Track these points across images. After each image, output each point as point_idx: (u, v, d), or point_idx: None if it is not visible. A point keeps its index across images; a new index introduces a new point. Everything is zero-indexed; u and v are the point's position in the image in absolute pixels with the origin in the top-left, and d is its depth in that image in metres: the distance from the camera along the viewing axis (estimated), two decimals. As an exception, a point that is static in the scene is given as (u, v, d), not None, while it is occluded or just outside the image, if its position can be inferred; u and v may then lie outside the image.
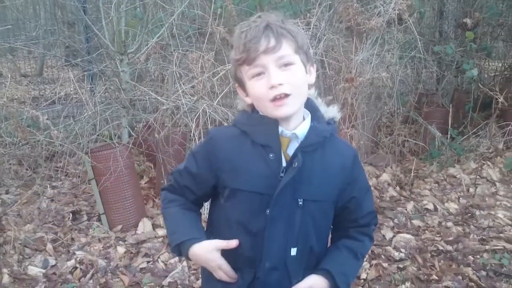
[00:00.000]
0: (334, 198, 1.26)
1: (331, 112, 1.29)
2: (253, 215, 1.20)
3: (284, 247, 1.22)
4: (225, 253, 1.24)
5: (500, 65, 5.73)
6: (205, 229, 1.33)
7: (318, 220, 1.25)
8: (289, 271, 1.23)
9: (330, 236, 1.37)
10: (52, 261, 2.91)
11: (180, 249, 1.24)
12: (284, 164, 1.18)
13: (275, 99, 1.12)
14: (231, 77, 1.24)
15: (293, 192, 1.18)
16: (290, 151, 1.19)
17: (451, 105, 4.47)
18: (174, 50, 3.44)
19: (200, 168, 1.26)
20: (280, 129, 1.18)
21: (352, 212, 1.31)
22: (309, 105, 1.24)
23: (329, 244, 1.37)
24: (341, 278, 1.25)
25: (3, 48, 4.82)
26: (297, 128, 1.19)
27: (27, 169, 4.09)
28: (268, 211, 1.18)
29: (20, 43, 4.32)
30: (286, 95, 1.12)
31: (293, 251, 1.23)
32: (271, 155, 1.17)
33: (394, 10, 3.54)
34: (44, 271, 2.81)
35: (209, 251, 1.22)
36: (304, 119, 1.22)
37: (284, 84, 1.11)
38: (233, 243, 1.21)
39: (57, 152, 3.59)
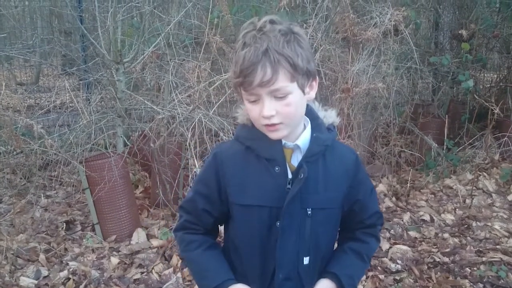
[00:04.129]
0: (340, 203, 1.27)
1: (330, 116, 1.29)
2: (264, 228, 1.21)
3: (296, 257, 1.23)
4: (236, 267, 1.28)
5: (495, 76, 5.76)
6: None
7: (327, 227, 1.27)
8: (303, 280, 1.25)
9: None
10: (44, 272, 2.87)
11: None
12: (289, 175, 1.19)
13: (267, 125, 1.13)
14: (232, 85, 1.23)
15: (301, 202, 1.20)
16: (294, 161, 1.21)
17: (447, 116, 4.48)
18: (170, 59, 3.44)
19: (210, 188, 1.26)
20: (283, 141, 1.19)
21: (357, 214, 1.33)
22: (309, 112, 1.24)
23: (335, 246, 1.39)
24: (348, 281, 1.28)
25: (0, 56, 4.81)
26: (298, 138, 1.20)
27: (21, 178, 4.06)
28: (278, 223, 1.19)
29: (16, 52, 4.30)
30: (278, 124, 1.13)
31: (306, 260, 1.24)
32: (277, 168, 1.19)
33: (390, 21, 3.56)
34: (36, 282, 2.77)
35: None
36: (304, 127, 1.23)
37: (276, 115, 1.11)
38: None
39: (52, 161, 3.56)
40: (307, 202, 1.20)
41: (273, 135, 1.15)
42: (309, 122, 1.24)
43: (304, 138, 1.21)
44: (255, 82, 1.07)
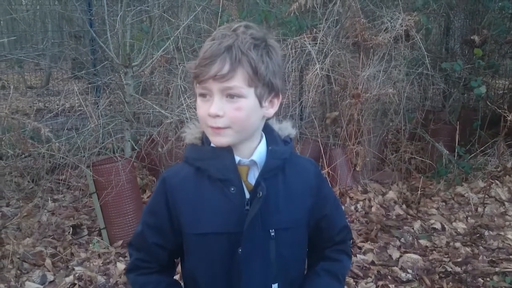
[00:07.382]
0: (305, 221, 1.17)
1: (286, 128, 1.19)
2: (225, 258, 1.10)
3: (264, 285, 1.12)
4: None
5: (507, 82, 5.68)
6: None
7: (294, 248, 1.16)
8: None
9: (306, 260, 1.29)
10: (50, 277, 2.84)
11: None
12: (247, 195, 1.09)
13: (211, 127, 1.04)
14: (191, 80, 1.16)
15: (262, 224, 1.09)
16: (251, 179, 1.10)
17: (458, 122, 4.41)
18: (179, 63, 3.43)
19: (160, 218, 1.14)
20: (237, 158, 1.09)
21: (326, 230, 1.23)
22: (264, 126, 1.15)
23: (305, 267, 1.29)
24: None
25: (11, 60, 4.84)
26: (253, 153, 1.11)
27: (28, 182, 4.05)
28: (240, 250, 1.08)
29: (24, 55, 4.32)
30: (224, 128, 1.04)
31: (275, 287, 1.14)
32: (232, 189, 1.08)
33: (402, 26, 3.52)
34: (41, 287, 2.75)
35: None
36: (260, 141, 1.14)
37: (223, 117, 1.02)
38: None
39: (60, 164, 3.55)
40: (269, 223, 1.09)
41: (216, 140, 1.05)
42: (263, 135, 1.14)
43: (259, 153, 1.11)
44: (210, 73, 1.00)
